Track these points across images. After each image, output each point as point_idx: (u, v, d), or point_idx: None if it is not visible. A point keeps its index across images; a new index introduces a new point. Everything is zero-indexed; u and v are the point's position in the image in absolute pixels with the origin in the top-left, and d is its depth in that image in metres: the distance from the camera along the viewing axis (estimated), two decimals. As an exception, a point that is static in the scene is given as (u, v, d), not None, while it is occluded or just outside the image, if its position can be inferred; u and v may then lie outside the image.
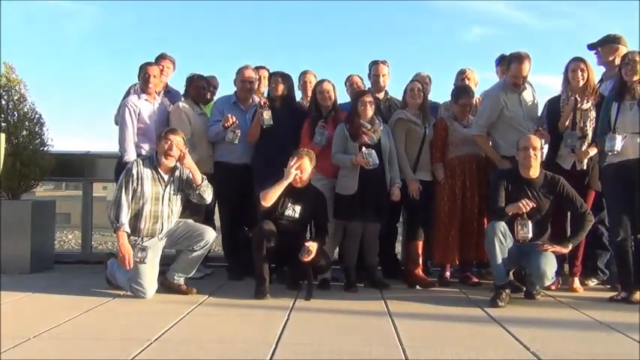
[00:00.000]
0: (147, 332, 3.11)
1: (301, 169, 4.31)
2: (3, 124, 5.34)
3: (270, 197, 4.22)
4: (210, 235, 4.36)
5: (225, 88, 5.80)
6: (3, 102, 5.41)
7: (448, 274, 4.92)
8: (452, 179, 4.81)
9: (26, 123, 5.44)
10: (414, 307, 3.96)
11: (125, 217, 4.17)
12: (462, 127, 4.89)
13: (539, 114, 4.97)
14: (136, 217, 4.25)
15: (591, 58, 4.87)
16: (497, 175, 4.43)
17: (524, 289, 4.33)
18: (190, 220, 4.49)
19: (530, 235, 4.10)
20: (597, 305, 4.07)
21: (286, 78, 5.03)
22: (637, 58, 4.17)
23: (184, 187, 4.40)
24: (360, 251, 4.67)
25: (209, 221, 4.98)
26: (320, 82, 4.93)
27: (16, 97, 5.46)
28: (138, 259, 4.07)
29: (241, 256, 4.87)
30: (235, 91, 5.17)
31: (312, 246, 4.14)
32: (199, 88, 5.17)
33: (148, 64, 5.01)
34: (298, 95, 5.38)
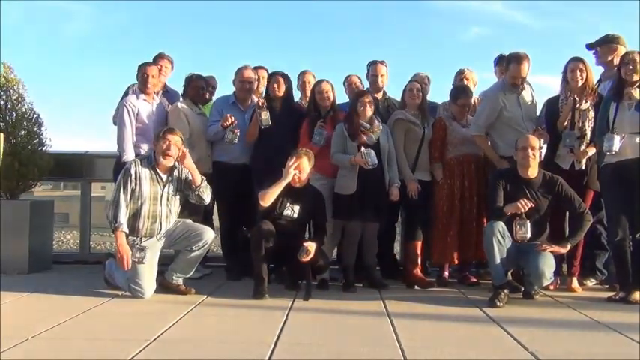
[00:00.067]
0: (145, 332, 3.11)
1: (300, 169, 4.31)
2: (1, 124, 5.33)
3: (268, 197, 4.22)
4: (209, 235, 4.36)
5: (224, 88, 5.81)
6: (1, 102, 5.40)
7: (447, 274, 4.92)
8: (450, 179, 4.81)
9: (24, 123, 5.43)
10: (412, 307, 3.96)
11: (123, 217, 4.17)
12: (460, 127, 4.89)
13: (537, 114, 4.97)
14: (134, 217, 4.24)
15: (590, 58, 4.88)
16: (496, 175, 4.43)
17: (523, 289, 4.33)
18: (189, 220, 4.49)
19: (528, 235, 4.10)
20: (595, 305, 4.07)
21: (286, 78, 5.03)
22: (637, 58, 4.17)
23: (183, 187, 4.40)
24: (358, 251, 4.67)
25: (208, 221, 4.99)
26: (319, 82, 4.93)
27: (14, 97, 5.45)
28: (136, 259, 4.07)
29: (240, 256, 4.87)
30: (234, 91, 5.17)
31: (311, 246, 4.14)
32: (198, 88, 5.18)
33: (147, 64, 5.01)
34: (297, 95, 5.38)
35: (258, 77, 5.29)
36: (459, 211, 4.77)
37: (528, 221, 4.10)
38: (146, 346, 2.87)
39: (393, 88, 5.40)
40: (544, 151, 4.74)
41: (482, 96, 5.21)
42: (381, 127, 4.67)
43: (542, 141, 4.63)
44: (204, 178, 4.43)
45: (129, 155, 4.73)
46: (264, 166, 4.75)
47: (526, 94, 4.88)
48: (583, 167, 4.58)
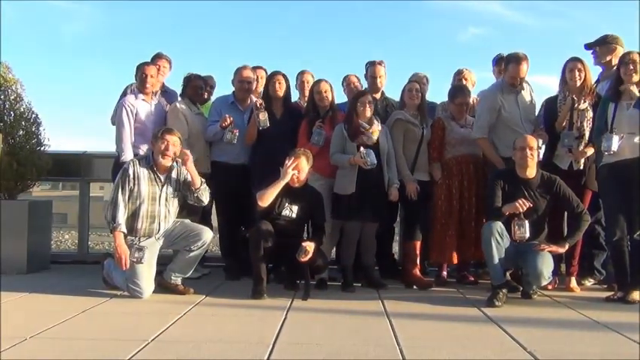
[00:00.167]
0: (144, 332, 3.11)
1: (298, 168, 4.31)
2: (-1, 124, 5.33)
3: (267, 197, 4.22)
4: (208, 236, 4.36)
5: (223, 88, 5.82)
6: (-1, 102, 5.40)
7: (445, 273, 4.93)
8: (449, 179, 4.81)
9: (23, 123, 5.43)
10: (411, 307, 3.96)
11: (122, 217, 4.17)
12: (459, 127, 4.90)
13: (536, 114, 4.97)
14: (133, 217, 4.24)
15: (588, 58, 4.89)
16: (494, 175, 4.44)
17: (521, 288, 4.34)
18: (187, 220, 4.49)
19: (527, 234, 4.11)
20: (594, 305, 4.08)
21: (285, 78, 5.03)
22: (637, 59, 4.17)
23: (182, 187, 4.40)
24: (357, 251, 4.68)
25: (206, 221, 4.98)
26: (317, 82, 4.92)
27: (12, 97, 5.45)
28: (135, 259, 4.07)
29: (238, 256, 4.87)
30: (233, 91, 5.17)
31: (310, 246, 4.13)
32: (197, 87, 5.17)
33: (145, 64, 5.00)
34: (295, 95, 5.38)
35: (257, 77, 5.29)
36: (457, 211, 4.77)
37: (527, 221, 4.11)
38: (145, 346, 2.87)
39: (391, 88, 5.42)
40: (542, 151, 4.76)
41: (480, 96, 5.21)
42: (380, 128, 4.67)
43: (541, 141, 4.64)
44: (204, 180, 4.43)
45: (127, 155, 4.73)
46: (262, 166, 4.75)
47: (525, 95, 4.89)
48: (581, 167, 4.59)
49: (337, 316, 3.66)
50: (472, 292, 4.49)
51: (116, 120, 4.92)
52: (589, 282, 4.88)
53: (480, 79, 5.65)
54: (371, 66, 5.22)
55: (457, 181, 4.80)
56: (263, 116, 4.72)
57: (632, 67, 4.15)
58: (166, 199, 4.34)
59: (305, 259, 4.12)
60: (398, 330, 3.26)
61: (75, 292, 4.26)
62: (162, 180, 4.33)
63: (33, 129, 5.49)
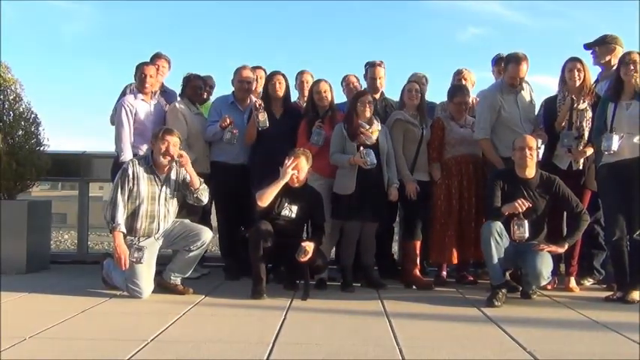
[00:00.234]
0: (143, 332, 3.11)
1: (298, 168, 4.31)
2: (-1, 124, 5.32)
3: (266, 197, 4.22)
4: (207, 235, 4.36)
5: (222, 88, 5.82)
6: (-1, 102, 5.40)
7: (444, 273, 4.93)
8: (448, 179, 4.81)
9: (22, 123, 5.42)
10: (410, 307, 3.96)
11: (121, 217, 4.16)
12: (458, 127, 4.90)
13: (536, 114, 4.97)
14: (132, 217, 4.24)
15: (588, 58, 4.89)
16: (494, 175, 4.44)
17: (521, 288, 4.34)
18: (187, 220, 4.49)
19: (526, 234, 4.11)
20: (593, 305, 4.08)
21: (285, 78, 5.03)
22: (637, 59, 4.17)
23: (181, 187, 4.40)
24: (356, 251, 4.68)
25: (206, 221, 4.98)
26: (317, 82, 4.92)
27: (11, 97, 5.44)
28: (134, 259, 4.07)
29: (238, 256, 4.87)
30: (233, 91, 5.17)
31: (309, 246, 4.13)
32: (196, 87, 5.17)
33: (144, 63, 5.00)
34: (295, 95, 5.38)
35: (256, 77, 5.29)
36: (457, 211, 4.77)
37: (526, 221, 4.11)
38: (144, 346, 2.87)
39: (390, 88, 5.42)
40: (542, 151, 4.76)
41: (480, 96, 5.21)
42: (379, 128, 4.67)
43: (540, 141, 4.64)
44: (203, 180, 4.43)
45: (127, 155, 4.73)
46: (262, 166, 4.74)
47: (524, 95, 4.89)
48: (581, 167, 4.59)
49: (337, 316, 3.66)
50: (471, 292, 4.49)
51: (115, 120, 4.92)
52: (588, 282, 4.88)
53: (480, 79, 5.65)
54: (371, 67, 5.22)
55: (456, 181, 4.80)
56: (262, 116, 4.72)
57: (632, 68, 4.14)
58: (166, 199, 4.34)
59: (304, 259, 4.12)
60: (397, 330, 3.26)
61: (74, 292, 4.26)
62: (162, 180, 4.33)
63: (32, 129, 5.48)
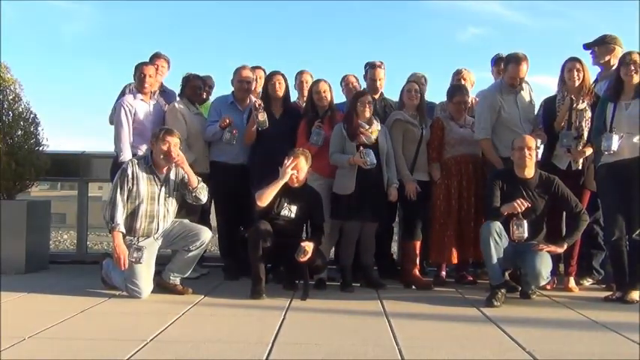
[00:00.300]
0: (142, 332, 3.11)
1: (297, 168, 4.31)
2: (-2, 124, 5.32)
3: (266, 197, 4.22)
4: (206, 235, 4.36)
5: (221, 88, 5.82)
6: (-2, 102, 5.39)
7: (444, 273, 4.93)
8: (448, 179, 4.81)
9: (21, 123, 5.42)
10: (410, 307, 3.96)
11: (120, 217, 4.16)
12: (458, 127, 4.90)
13: (535, 114, 4.98)
14: (131, 217, 4.24)
15: (587, 58, 4.89)
16: (493, 175, 4.45)
17: (520, 288, 4.34)
18: (186, 220, 4.48)
19: (525, 234, 4.11)
20: (592, 305, 4.08)
21: (285, 78, 5.03)
22: (637, 59, 4.17)
23: (180, 187, 4.40)
24: (356, 251, 4.68)
25: (205, 221, 4.98)
26: (316, 82, 4.92)
27: (10, 97, 5.44)
28: (133, 259, 4.07)
29: (237, 256, 4.87)
30: (233, 91, 5.17)
31: (308, 246, 4.13)
32: (195, 87, 5.17)
33: (144, 63, 5.00)
34: (294, 95, 5.38)
35: (256, 77, 5.29)
36: (456, 211, 4.77)
37: (525, 221, 4.11)
38: (143, 346, 2.87)
39: (389, 88, 5.42)
40: (541, 151, 4.76)
41: (479, 96, 5.21)
42: (379, 128, 4.68)
43: (540, 141, 4.64)
44: (200, 179, 4.43)
45: (126, 155, 4.72)
46: (261, 166, 4.74)
47: (524, 95, 4.89)
48: (580, 167, 4.59)
49: (336, 316, 3.66)
50: (471, 292, 4.49)
51: (114, 120, 4.92)
52: (587, 282, 4.88)
53: (479, 79, 5.66)
54: (371, 68, 5.22)
55: (456, 181, 4.80)
56: (262, 117, 4.72)
57: (633, 68, 4.14)
58: (165, 199, 4.34)
59: (304, 259, 4.12)
60: (397, 330, 3.26)
61: (73, 292, 4.26)
62: (161, 180, 4.33)
63: (31, 129, 5.48)
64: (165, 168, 4.34)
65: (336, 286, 4.61)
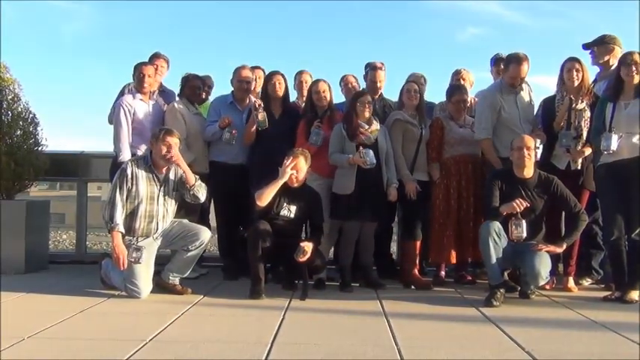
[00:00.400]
0: (142, 332, 3.11)
1: (297, 168, 4.31)
2: (-3, 124, 5.32)
3: (265, 197, 4.22)
4: (206, 235, 4.36)
5: (221, 88, 5.81)
6: (-3, 101, 5.39)
7: (443, 273, 4.93)
8: (447, 179, 4.81)
9: (20, 122, 5.41)
10: (409, 307, 3.96)
11: (120, 217, 4.16)
12: (457, 127, 4.90)
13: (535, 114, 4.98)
14: (131, 217, 4.24)
15: (586, 58, 4.89)
16: (492, 175, 4.44)
17: (519, 288, 4.34)
18: (185, 220, 4.48)
19: (524, 234, 4.11)
20: (591, 305, 4.08)
21: (284, 78, 5.03)
22: (639, 60, 4.17)
23: (179, 187, 4.39)
24: (355, 251, 4.68)
25: (204, 221, 4.98)
26: (316, 82, 4.92)
27: (10, 97, 5.43)
28: (133, 259, 4.06)
29: (237, 256, 4.87)
30: (232, 91, 5.16)
31: (308, 246, 4.14)
32: (195, 87, 5.17)
33: (143, 63, 5.00)
34: (293, 95, 5.38)
35: (255, 77, 5.29)
36: (455, 211, 4.77)
37: (524, 221, 4.11)
38: (143, 346, 2.87)
39: (389, 88, 5.42)
40: (540, 151, 4.76)
41: (479, 96, 5.21)
42: (378, 127, 4.68)
43: (539, 141, 4.64)
44: (198, 177, 4.43)
45: (125, 155, 4.72)
46: (261, 166, 4.74)
47: (524, 95, 4.89)
48: (579, 167, 4.60)
49: (335, 316, 3.66)
50: (470, 292, 4.49)
51: (114, 120, 4.91)
52: (587, 282, 4.89)
53: (479, 79, 5.67)
54: (371, 70, 5.22)
55: (455, 181, 4.80)
56: (262, 117, 4.72)
57: (634, 69, 4.14)
58: (164, 199, 4.34)
59: (303, 259, 4.12)
60: (396, 330, 3.27)
61: (73, 292, 4.26)
62: (161, 180, 4.33)
63: (30, 129, 5.47)
64: (165, 168, 4.34)
65: (336, 286, 4.61)
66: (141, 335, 3.04)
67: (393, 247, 5.79)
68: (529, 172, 4.29)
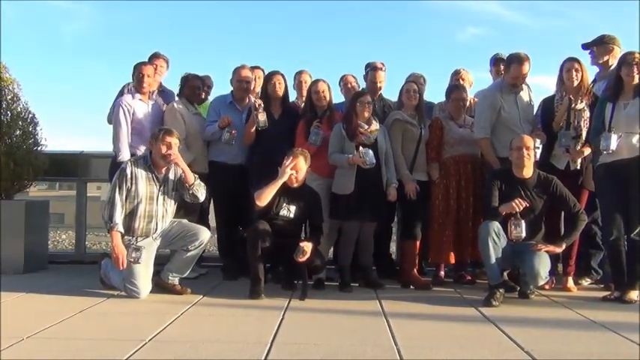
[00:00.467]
0: (141, 332, 3.11)
1: (296, 168, 4.31)
2: (-4, 124, 5.31)
3: (264, 197, 4.22)
4: (205, 235, 4.36)
5: (220, 88, 5.81)
6: (-4, 101, 5.39)
7: (442, 273, 4.93)
8: (446, 179, 4.82)
9: (19, 122, 5.41)
10: (408, 307, 3.97)
11: (119, 216, 4.16)
12: (457, 126, 4.90)
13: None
14: (130, 217, 4.23)
15: (586, 58, 4.90)
16: (491, 175, 4.45)
17: (518, 288, 4.34)
18: (185, 220, 4.48)
19: (523, 234, 4.11)
20: (591, 305, 4.08)
21: (284, 78, 5.03)
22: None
23: (178, 187, 4.39)
24: (354, 251, 4.68)
25: (203, 221, 4.97)
26: (315, 82, 4.93)
27: (9, 97, 5.43)
28: (132, 259, 4.06)
29: (236, 256, 4.87)
30: (232, 91, 5.16)
31: (307, 246, 4.14)
32: (194, 87, 5.16)
33: (142, 63, 5.00)
34: (293, 95, 5.38)
35: (255, 77, 5.29)
36: (454, 211, 4.77)
37: (523, 221, 4.11)
38: (142, 346, 2.87)
39: (388, 88, 5.43)
40: (539, 150, 4.76)
41: (479, 96, 5.22)
42: (378, 127, 4.68)
43: (539, 141, 4.64)
44: (197, 176, 4.43)
45: (124, 155, 4.72)
46: (260, 166, 4.74)
47: (524, 95, 4.90)
48: (578, 167, 4.60)
49: (335, 316, 3.66)
50: (469, 292, 4.49)
51: (113, 120, 4.91)
52: (586, 282, 4.89)
53: (478, 80, 5.67)
54: (372, 70, 5.23)
55: (455, 181, 4.80)
56: (262, 117, 4.71)
57: (636, 69, 4.14)
58: (164, 199, 4.34)
59: (303, 259, 4.12)
60: (395, 330, 3.27)
61: (72, 292, 4.26)
62: (160, 180, 4.33)
63: (30, 129, 5.47)
64: (164, 168, 4.33)
65: (335, 286, 4.61)
66: (140, 335, 3.04)
67: (393, 247, 5.79)
68: (528, 172, 4.29)
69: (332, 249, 5.04)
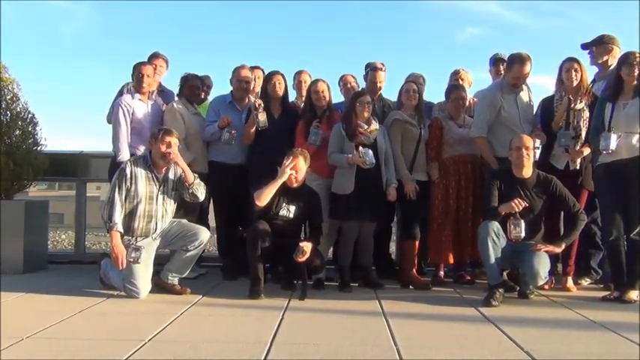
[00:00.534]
0: (141, 332, 3.11)
1: (296, 168, 4.31)
2: (-4, 124, 5.31)
3: (264, 197, 4.22)
4: (205, 235, 4.36)
5: (220, 88, 5.81)
6: (-5, 101, 5.39)
7: (442, 273, 4.93)
8: (446, 179, 4.82)
9: (19, 122, 5.41)
10: (408, 307, 3.97)
11: (118, 216, 4.16)
12: (457, 126, 4.90)
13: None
14: (130, 217, 4.23)
15: (585, 58, 4.90)
16: (491, 175, 4.45)
17: (518, 288, 4.34)
18: (184, 220, 4.48)
19: (522, 234, 4.11)
20: (590, 304, 4.09)
21: (284, 78, 5.03)
22: None
23: (178, 186, 4.39)
24: (354, 251, 4.68)
25: (203, 221, 4.97)
26: (315, 82, 4.93)
27: (8, 97, 5.43)
28: (132, 259, 4.06)
29: (236, 256, 4.87)
30: (231, 91, 5.16)
31: (307, 246, 4.14)
32: (194, 87, 5.16)
33: (142, 63, 5.00)
34: (292, 95, 5.38)
35: (254, 77, 5.29)
36: (454, 210, 4.78)
37: (522, 221, 4.11)
38: (142, 346, 2.87)
39: (388, 88, 5.43)
40: (539, 151, 4.76)
41: (479, 95, 5.22)
42: (378, 127, 4.68)
43: (538, 141, 4.65)
44: (197, 176, 4.43)
45: (124, 155, 4.72)
46: (260, 166, 4.74)
47: (524, 95, 4.90)
48: (578, 167, 4.60)
49: (334, 316, 3.66)
50: (469, 292, 4.49)
51: (112, 120, 4.91)
52: (585, 282, 4.89)
53: (478, 80, 5.67)
54: (372, 70, 5.23)
55: (454, 180, 4.81)
56: (262, 117, 4.71)
57: (637, 69, 4.14)
58: (164, 199, 4.33)
59: (302, 259, 4.12)
60: (395, 330, 3.27)
61: (72, 292, 4.26)
62: (160, 179, 4.33)
63: (29, 129, 5.47)
64: (164, 168, 4.33)
65: (335, 286, 4.61)
66: (140, 335, 3.04)
67: (392, 247, 5.79)
68: (528, 172, 4.29)
69: (332, 249, 5.05)
